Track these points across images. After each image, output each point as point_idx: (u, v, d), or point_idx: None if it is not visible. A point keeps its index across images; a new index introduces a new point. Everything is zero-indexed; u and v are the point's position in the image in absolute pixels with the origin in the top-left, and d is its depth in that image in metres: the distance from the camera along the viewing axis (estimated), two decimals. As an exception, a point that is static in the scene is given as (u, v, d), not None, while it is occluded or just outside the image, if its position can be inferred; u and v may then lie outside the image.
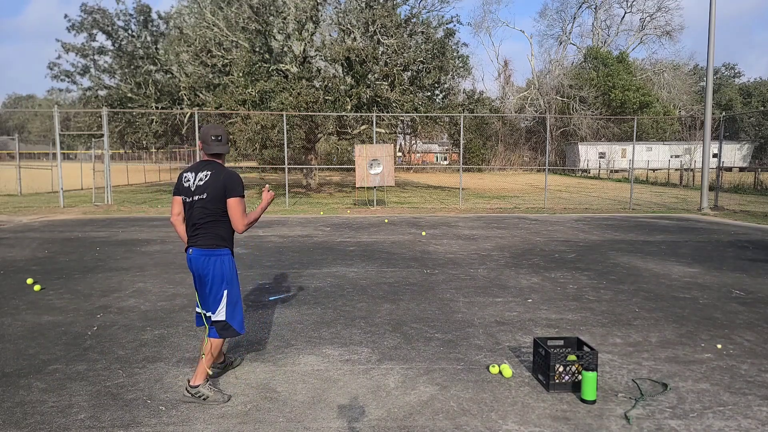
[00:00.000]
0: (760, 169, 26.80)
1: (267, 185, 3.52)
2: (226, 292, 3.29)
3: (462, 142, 18.30)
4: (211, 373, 3.56)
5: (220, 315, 3.29)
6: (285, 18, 18.98)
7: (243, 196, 3.27)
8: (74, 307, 5.24)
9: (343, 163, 40.14)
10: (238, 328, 3.37)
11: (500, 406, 3.20)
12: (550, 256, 8.13)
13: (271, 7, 18.92)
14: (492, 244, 9.18)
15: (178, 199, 3.36)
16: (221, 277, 3.27)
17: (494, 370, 3.64)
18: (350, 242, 9.36)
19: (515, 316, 5.01)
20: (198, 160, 3.50)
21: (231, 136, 18.56)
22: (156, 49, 21.88)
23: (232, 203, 3.22)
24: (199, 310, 3.42)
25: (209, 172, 3.25)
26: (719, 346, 4.23)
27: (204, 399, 3.22)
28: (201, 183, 3.24)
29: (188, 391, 3.25)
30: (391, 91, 19.20)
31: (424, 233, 8.69)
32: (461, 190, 17.68)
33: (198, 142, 3.38)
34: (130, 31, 22.12)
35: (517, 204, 17.60)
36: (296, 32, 19.13)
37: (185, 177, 3.32)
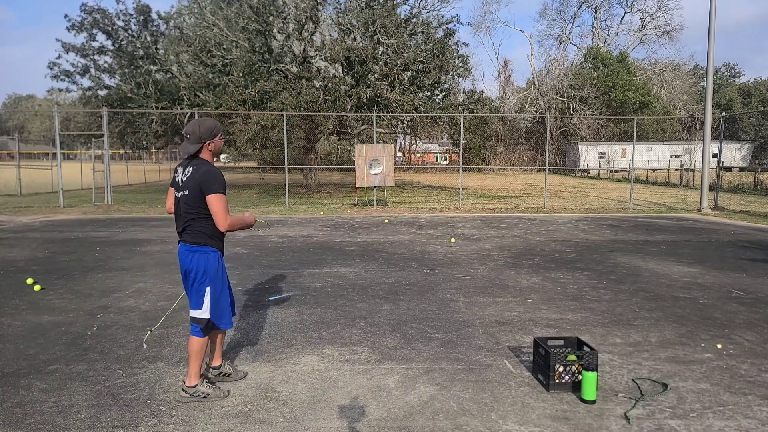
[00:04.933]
0: (760, 169, 26.80)
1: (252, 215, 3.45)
2: (209, 288, 3.22)
3: (462, 142, 18.29)
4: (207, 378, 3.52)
5: (205, 313, 3.22)
6: (285, 18, 18.98)
7: (221, 193, 3.13)
8: (74, 307, 5.24)
9: (343, 163, 40.14)
10: (226, 325, 3.36)
11: (500, 406, 3.20)
12: (550, 256, 8.13)
13: (271, 7, 18.91)
14: (492, 244, 9.18)
15: (173, 190, 3.35)
16: (204, 272, 3.20)
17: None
18: (350, 242, 9.36)
19: (515, 316, 5.01)
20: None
21: (231, 136, 18.54)
22: (156, 49, 21.88)
23: (211, 200, 3.10)
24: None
25: (191, 168, 3.18)
26: (719, 346, 4.23)
27: (205, 397, 3.24)
28: (185, 179, 3.18)
29: (186, 392, 3.25)
30: (391, 91, 19.20)
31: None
32: (461, 190, 17.68)
33: None
34: (130, 31, 22.12)
35: (517, 204, 17.60)
36: (296, 32, 19.12)
37: (177, 170, 3.29)
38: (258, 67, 19.19)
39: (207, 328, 3.27)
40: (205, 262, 3.21)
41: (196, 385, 3.25)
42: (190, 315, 3.27)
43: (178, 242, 3.31)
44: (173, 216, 3.35)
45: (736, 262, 7.67)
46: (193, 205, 3.15)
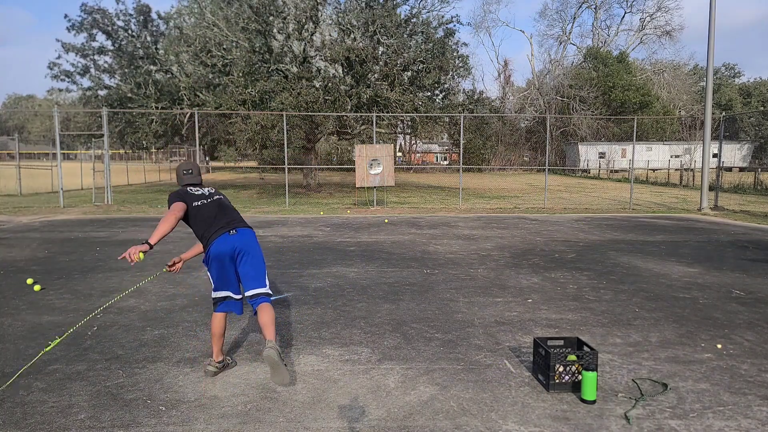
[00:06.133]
0: (760, 169, 26.80)
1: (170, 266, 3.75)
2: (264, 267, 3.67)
3: (462, 142, 18.29)
4: (213, 369, 3.62)
5: (268, 286, 3.60)
6: (285, 18, 18.98)
7: None
8: (74, 307, 5.24)
9: (343, 163, 40.14)
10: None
11: (500, 406, 3.20)
12: (550, 256, 8.12)
13: (271, 7, 18.91)
14: (492, 244, 9.18)
15: (183, 205, 3.52)
16: (262, 252, 3.66)
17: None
18: (350, 242, 9.36)
19: (515, 316, 5.01)
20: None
21: (232, 136, 18.55)
22: (156, 49, 21.88)
23: None
24: (227, 293, 3.59)
25: (209, 188, 3.78)
26: (719, 346, 4.23)
27: (285, 364, 3.29)
28: (212, 191, 3.74)
29: (277, 350, 3.21)
30: (391, 91, 19.20)
31: None
32: (461, 190, 17.68)
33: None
34: (130, 31, 22.12)
35: (517, 204, 17.61)
36: (296, 32, 19.12)
37: (191, 189, 3.67)
38: (258, 67, 19.19)
39: (269, 296, 3.58)
40: (258, 243, 3.68)
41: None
42: (258, 292, 3.51)
43: (229, 232, 3.49)
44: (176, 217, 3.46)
45: (736, 262, 7.67)
46: (230, 202, 3.79)
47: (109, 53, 22.05)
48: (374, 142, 16.95)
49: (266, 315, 3.43)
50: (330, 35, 19.80)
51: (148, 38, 22.27)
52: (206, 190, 3.71)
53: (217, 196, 3.69)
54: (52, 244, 9.00)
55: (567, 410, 3.15)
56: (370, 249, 8.66)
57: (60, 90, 25.61)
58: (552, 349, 3.43)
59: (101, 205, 15.57)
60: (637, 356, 4.01)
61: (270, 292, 3.59)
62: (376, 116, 17.87)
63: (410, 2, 21.90)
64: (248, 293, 3.52)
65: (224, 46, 19.54)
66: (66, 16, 21.40)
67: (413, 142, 58.19)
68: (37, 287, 5.93)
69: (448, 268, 7.18)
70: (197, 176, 3.74)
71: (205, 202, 3.58)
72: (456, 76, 22.60)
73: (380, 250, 8.60)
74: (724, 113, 21.13)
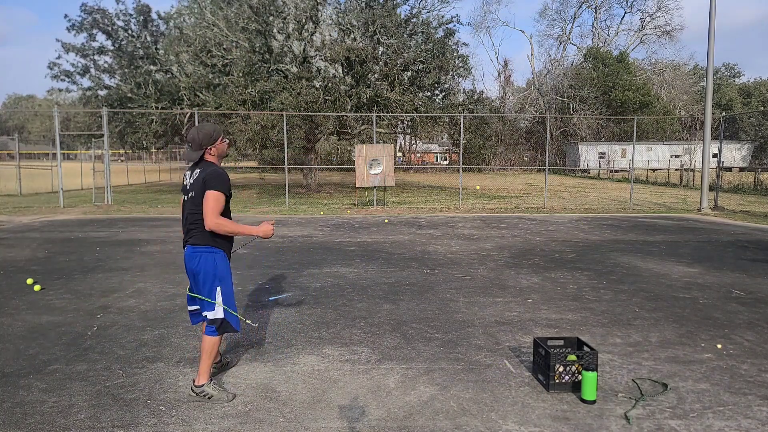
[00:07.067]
0: (760, 169, 26.80)
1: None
2: (219, 288, 3.28)
3: (462, 142, 18.28)
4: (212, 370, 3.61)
5: (218, 312, 3.28)
6: (285, 18, 18.97)
7: (221, 192, 3.16)
8: (74, 307, 5.24)
9: (343, 163, 40.14)
10: (235, 325, 3.37)
11: (500, 406, 3.20)
12: (550, 256, 8.12)
13: (271, 7, 18.91)
14: (492, 244, 9.18)
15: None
16: (213, 274, 3.25)
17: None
18: (350, 242, 9.36)
19: (515, 316, 5.01)
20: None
21: (231, 136, 18.54)
22: (156, 49, 21.87)
23: (207, 196, 3.14)
24: (191, 308, 3.49)
25: (198, 170, 3.26)
26: (719, 346, 4.23)
27: (209, 398, 3.25)
28: (192, 181, 3.27)
29: (193, 391, 3.29)
30: (391, 91, 19.19)
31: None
32: (461, 190, 17.68)
33: None
34: (130, 31, 22.12)
35: (517, 204, 17.60)
36: (296, 32, 19.12)
37: (185, 175, 3.40)
38: (258, 67, 19.19)
39: (221, 327, 3.32)
40: (212, 262, 3.25)
41: (203, 385, 3.27)
42: (204, 314, 3.33)
43: (184, 246, 3.33)
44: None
45: (736, 262, 7.67)
46: (198, 205, 3.19)
47: (109, 53, 22.05)
48: (374, 142, 16.95)
49: (202, 346, 3.32)
50: (330, 35, 19.80)
51: (148, 38, 22.27)
52: (192, 178, 3.27)
53: (190, 193, 3.25)
54: (52, 244, 8.99)
55: (567, 410, 3.15)
56: (370, 249, 8.66)
57: (60, 90, 25.63)
58: (552, 349, 3.43)
59: (101, 205, 15.56)
60: (637, 356, 4.01)
61: (216, 318, 3.27)
62: (376, 116, 17.86)
63: (410, 2, 21.96)
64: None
65: (224, 46, 19.53)
66: (66, 16, 21.43)
67: (413, 142, 58.17)
68: (37, 287, 5.93)
69: (448, 268, 7.18)
70: (196, 151, 3.25)
71: (185, 199, 3.32)
72: (456, 76, 22.60)
73: (380, 250, 8.60)
74: (724, 113, 21.14)
